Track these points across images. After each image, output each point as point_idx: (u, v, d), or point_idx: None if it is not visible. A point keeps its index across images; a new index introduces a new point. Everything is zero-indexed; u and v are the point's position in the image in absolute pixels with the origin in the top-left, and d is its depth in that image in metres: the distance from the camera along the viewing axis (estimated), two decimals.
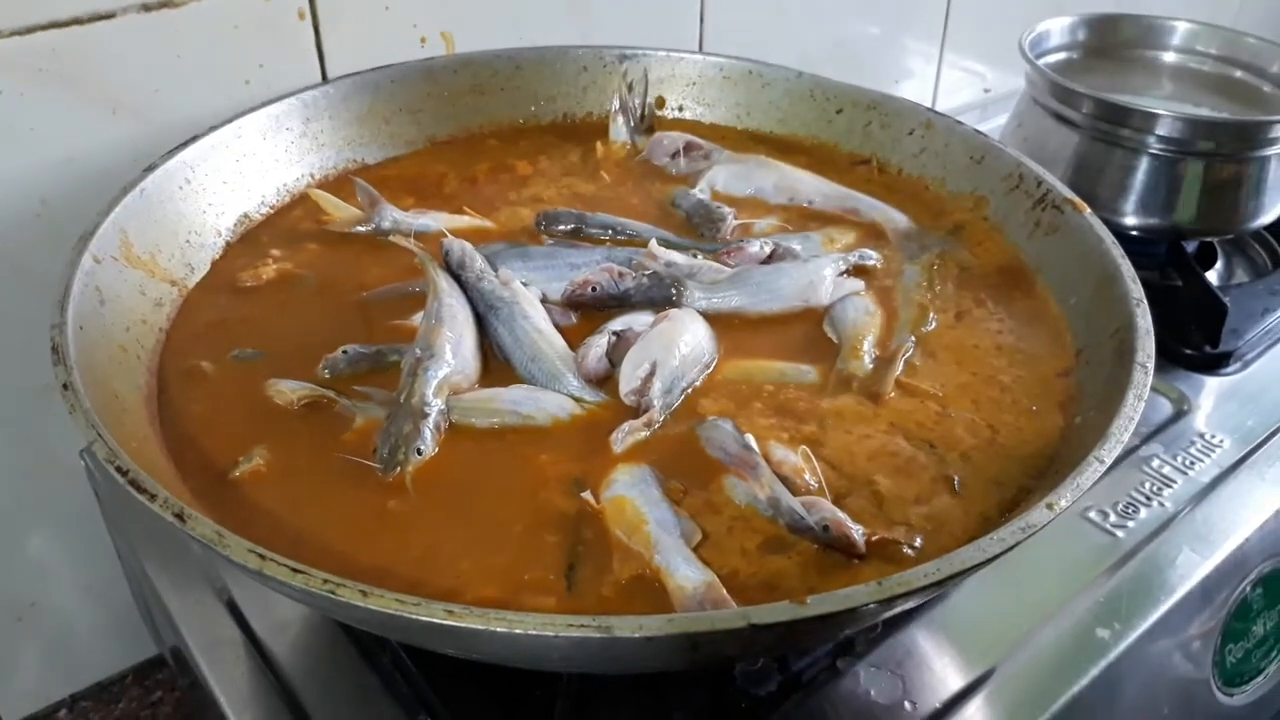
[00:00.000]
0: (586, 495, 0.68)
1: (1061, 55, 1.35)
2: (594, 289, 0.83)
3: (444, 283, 0.82)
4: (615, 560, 0.64)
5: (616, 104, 1.10)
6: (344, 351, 0.79)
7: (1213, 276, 1.25)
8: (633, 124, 1.10)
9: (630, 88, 1.11)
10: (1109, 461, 0.64)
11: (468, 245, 0.86)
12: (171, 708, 1.17)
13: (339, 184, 1.01)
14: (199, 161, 0.90)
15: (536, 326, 0.80)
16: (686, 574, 0.62)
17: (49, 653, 1.14)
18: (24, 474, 1.03)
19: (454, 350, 0.77)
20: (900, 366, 0.80)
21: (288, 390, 0.76)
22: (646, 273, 0.84)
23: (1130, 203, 1.20)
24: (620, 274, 0.83)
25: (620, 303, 0.83)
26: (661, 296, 0.83)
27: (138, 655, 1.19)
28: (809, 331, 0.85)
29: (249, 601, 0.82)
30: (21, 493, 1.04)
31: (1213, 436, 1.00)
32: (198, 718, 1.11)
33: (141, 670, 1.20)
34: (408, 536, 0.67)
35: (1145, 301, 0.78)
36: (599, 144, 1.09)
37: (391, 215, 0.93)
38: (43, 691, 1.16)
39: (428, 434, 0.71)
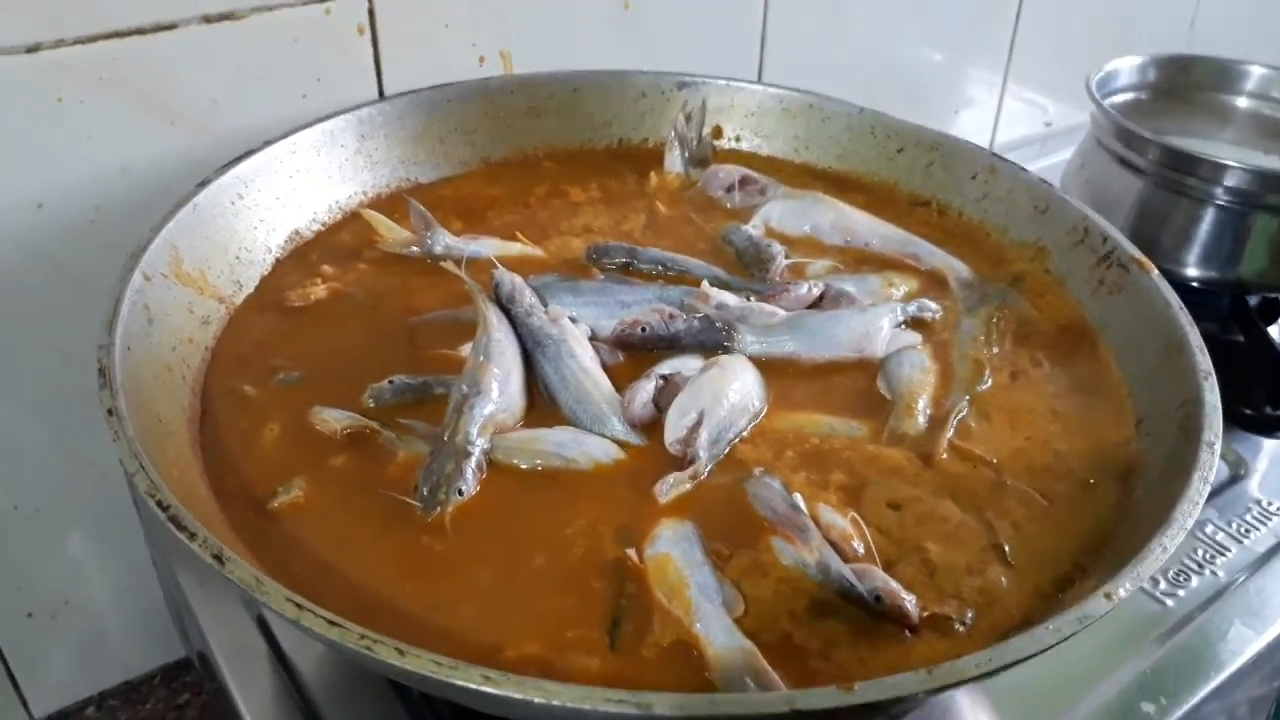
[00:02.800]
0: (631, 553, 0.67)
1: (1130, 96, 1.32)
2: (644, 330, 0.82)
3: (494, 317, 0.81)
4: (656, 623, 0.63)
5: (673, 135, 1.08)
6: (390, 382, 0.78)
7: (1276, 333, 1.21)
8: (688, 155, 1.08)
9: (688, 118, 1.09)
10: (1172, 549, 0.62)
11: (518, 279, 0.85)
12: (197, 711, 1.17)
13: (391, 202, 1.00)
14: (253, 177, 0.90)
15: (583, 366, 0.78)
16: (726, 644, 0.60)
17: (80, 650, 1.14)
18: (65, 475, 1.03)
19: (501, 388, 0.76)
20: (953, 429, 0.78)
21: (332, 420, 0.75)
22: (698, 315, 0.83)
23: (1193, 254, 1.17)
24: (671, 316, 0.82)
25: (670, 345, 0.82)
26: (712, 341, 0.82)
27: (166, 656, 1.19)
28: (860, 383, 0.83)
29: (278, 616, 0.81)
30: (62, 493, 1.04)
31: (1270, 504, 0.97)
32: None
33: (169, 672, 1.20)
34: (447, 580, 0.66)
35: (1214, 375, 0.75)
36: (653, 174, 1.07)
37: (444, 240, 0.92)
38: (72, 688, 1.16)
39: (469, 474, 0.70)
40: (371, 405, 0.77)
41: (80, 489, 1.05)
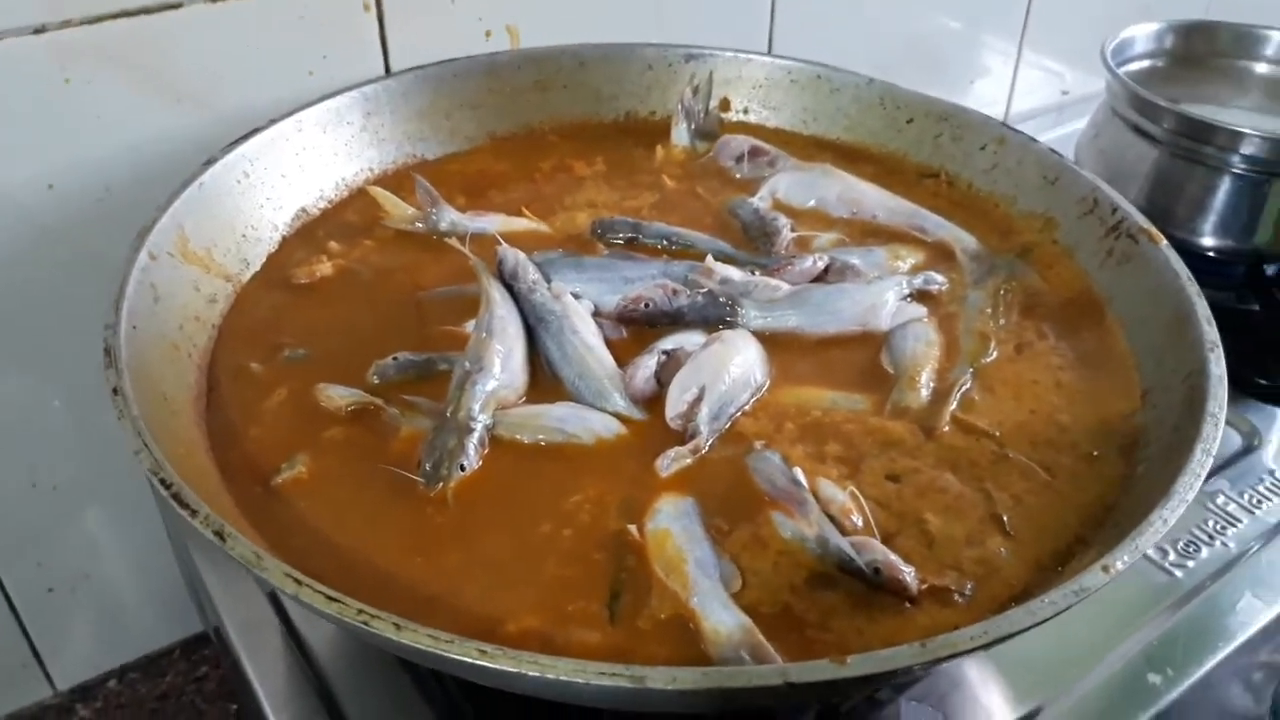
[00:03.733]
0: (631, 528, 0.67)
1: (1146, 63, 1.31)
2: (647, 305, 0.82)
3: (496, 293, 0.81)
4: (654, 596, 0.63)
5: (680, 107, 1.08)
6: (394, 359, 0.78)
7: None
8: (694, 128, 1.08)
9: (695, 91, 1.08)
10: (1172, 522, 0.61)
11: (521, 255, 0.85)
12: (215, 684, 1.19)
13: (397, 179, 1.00)
14: (258, 155, 0.90)
15: (586, 342, 0.79)
16: (721, 618, 0.60)
17: (101, 624, 1.16)
18: (83, 451, 1.05)
19: (503, 364, 0.76)
20: (955, 402, 0.78)
21: (337, 397, 0.76)
22: (701, 290, 0.83)
23: (1209, 223, 1.16)
24: (674, 291, 0.82)
25: (673, 320, 0.82)
26: (716, 316, 0.82)
27: (186, 630, 1.22)
28: (864, 357, 0.83)
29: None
30: (80, 469, 1.06)
31: None
32: (239, 696, 1.12)
33: (188, 645, 1.22)
34: (449, 554, 0.66)
35: (1220, 346, 0.74)
36: (660, 147, 1.07)
37: (449, 216, 0.93)
38: (94, 661, 1.19)
39: (471, 450, 0.71)
40: (376, 382, 0.78)
41: (98, 465, 1.07)
